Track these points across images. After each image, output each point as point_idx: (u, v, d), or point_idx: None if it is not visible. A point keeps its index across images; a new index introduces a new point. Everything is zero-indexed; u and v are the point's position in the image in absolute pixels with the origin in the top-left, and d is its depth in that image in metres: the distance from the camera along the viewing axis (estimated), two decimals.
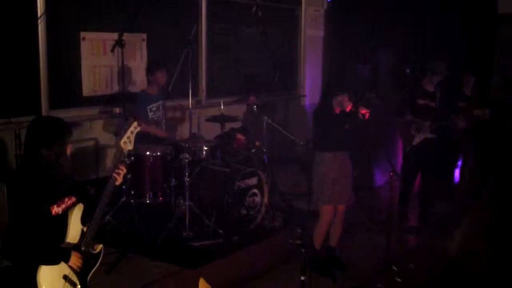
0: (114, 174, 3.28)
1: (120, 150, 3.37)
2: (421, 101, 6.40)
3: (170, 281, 4.55)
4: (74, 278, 3.15)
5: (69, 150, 3.24)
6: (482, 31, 8.87)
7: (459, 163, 7.71)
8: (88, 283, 3.27)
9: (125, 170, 3.33)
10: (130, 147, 3.42)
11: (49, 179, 3.07)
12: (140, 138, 5.69)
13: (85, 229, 3.24)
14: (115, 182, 3.29)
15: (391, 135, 7.37)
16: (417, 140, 6.45)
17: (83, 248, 3.20)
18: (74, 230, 3.20)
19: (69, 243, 3.16)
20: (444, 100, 6.50)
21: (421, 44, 8.55)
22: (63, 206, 3.15)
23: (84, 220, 3.25)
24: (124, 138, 3.38)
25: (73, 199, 3.23)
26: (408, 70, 6.55)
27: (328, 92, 5.23)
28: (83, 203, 3.27)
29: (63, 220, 3.15)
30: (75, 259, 3.12)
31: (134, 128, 3.42)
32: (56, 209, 3.10)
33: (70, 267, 3.12)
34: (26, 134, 3.16)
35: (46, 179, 3.06)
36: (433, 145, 6.50)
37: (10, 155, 5.48)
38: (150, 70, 6.09)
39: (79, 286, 3.18)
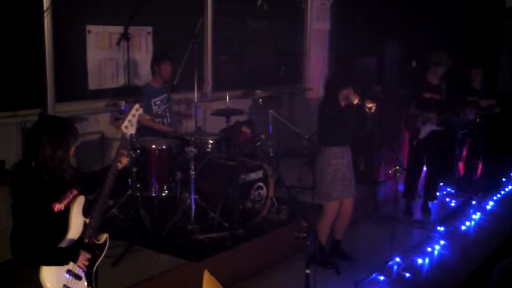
0: (117, 163, 3.15)
1: (121, 135, 3.22)
2: (426, 95, 6.37)
3: (175, 274, 4.56)
4: (79, 271, 3.07)
5: (72, 152, 3.09)
6: (489, 25, 8.83)
7: (463, 155, 7.65)
8: (95, 273, 3.19)
9: (125, 154, 3.15)
10: (132, 131, 3.24)
11: (50, 180, 2.98)
12: (145, 131, 5.75)
13: (87, 221, 3.13)
14: (116, 170, 3.17)
15: (396, 128, 7.35)
16: (423, 133, 6.43)
17: (86, 241, 3.10)
18: (76, 223, 3.08)
19: (71, 239, 3.05)
20: (450, 92, 6.46)
21: (427, 37, 8.51)
22: (65, 202, 3.05)
23: (86, 211, 3.14)
24: (126, 122, 3.20)
25: (75, 192, 3.13)
26: (414, 63, 6.53)
27: (331, 86, 5.19)
28: (84, 194, 3.16)
29: (65, 215, 3.06)
30: (83, 259, 3.04)
31: (135, 110, 3.23)
32: (58, 206, 3.00)
33: None
34: (30, 133, 3.01)
35: (48, 180, 2.97)
36: (439, 138, 6.48)
37: (16, 148, 5.51)
38: (156, 61, 6.07)
39: (84, 278, 3.10)
